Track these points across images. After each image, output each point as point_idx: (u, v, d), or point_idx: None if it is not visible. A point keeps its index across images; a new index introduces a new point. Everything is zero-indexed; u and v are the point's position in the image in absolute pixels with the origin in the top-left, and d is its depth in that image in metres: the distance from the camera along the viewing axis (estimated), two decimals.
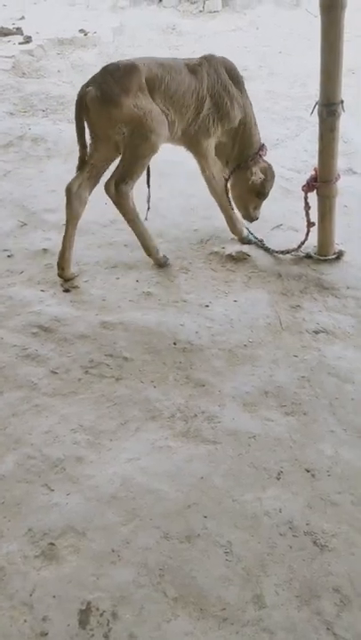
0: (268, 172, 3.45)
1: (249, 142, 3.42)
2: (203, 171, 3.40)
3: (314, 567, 1.90)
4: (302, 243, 3.32)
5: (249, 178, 3.39)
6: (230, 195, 3.49)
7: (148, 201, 3.44)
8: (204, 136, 3.27)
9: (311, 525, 2.03)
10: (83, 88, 3.06)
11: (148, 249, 3.31)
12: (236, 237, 3.56)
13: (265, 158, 3.47)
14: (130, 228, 3.27)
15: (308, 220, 3.27)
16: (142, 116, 2.99)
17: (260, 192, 3.45)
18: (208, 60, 3.30)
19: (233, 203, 3.53)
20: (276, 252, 3.42)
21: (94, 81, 3.04)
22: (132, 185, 3.13)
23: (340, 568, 1.90)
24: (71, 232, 3.24)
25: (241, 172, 3.42)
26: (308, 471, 2.22)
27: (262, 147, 3.46)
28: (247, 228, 3.58)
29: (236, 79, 3.35)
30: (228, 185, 3.46)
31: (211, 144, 3.33)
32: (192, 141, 3.31)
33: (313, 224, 3.28)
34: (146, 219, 3.38)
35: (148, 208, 3.45)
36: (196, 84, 3.19)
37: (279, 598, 1.82)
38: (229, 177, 3.46)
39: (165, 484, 2.16)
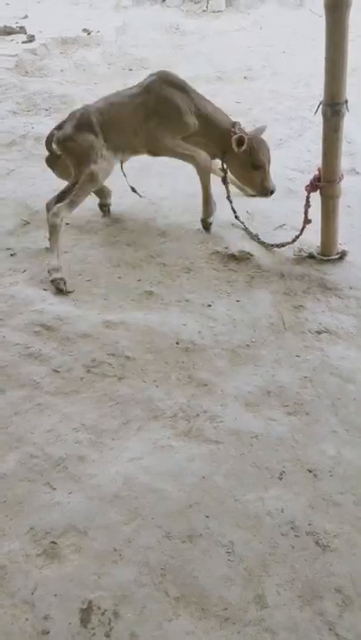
0: (252, 142, 3.50)
1: (218, 132, 3.54)
2: (186, 162, 3.58)
3: (316, 567, 1.90)
4: (297, 237, 3.35)
5: (240, 157, 3.50)
6: (238, 181, 3.71)
7: (134, 190, 3.72)
8: (163, 144, 3.50)
9: (313, 525, 2.03)
10: (50, 132, 3.65)
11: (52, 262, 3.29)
12: (201, 217, 3.66)
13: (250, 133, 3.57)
14: (134, 228, 3.29)
15: (306, 217, 3.29)
16: (85, 151, 3.41)
17: (254, 164, 3.52)
18: (148, 81, 3.57)
19: (245, 186, 3.75)
20: (271, 245, 3.45)
21: (58, 125, 3.63)
22: (71, 211, 3.42)
23: (342, 568, 1.90)
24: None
25: (231, 157, 3.53)
26: (310, 471, 2.22)
27: (234, 124, 3.55)
28: (243, 223, 3.61)
29: (179, 86, 3.55)
30: (228, 175, 3.62)
31: (172, 143, 3.50)
32: (157, 151, 3.58)
33: (310, 221, 3.30)
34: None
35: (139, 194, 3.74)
36: (141, 108, 3.49)
37: (281, 598, 1.82)
38: (225, 168, 3.59)
39: (167, 484, 2.16)
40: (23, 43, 7.23)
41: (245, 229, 3.59)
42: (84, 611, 1.79)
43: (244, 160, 3.51)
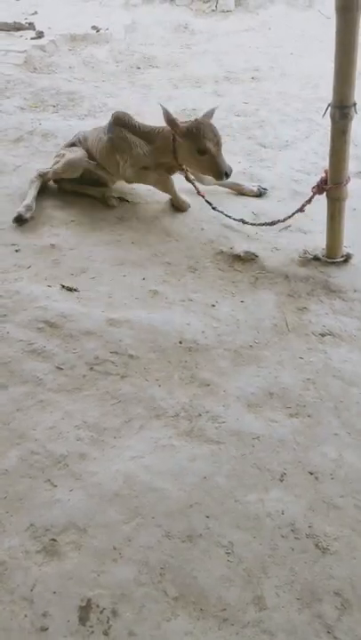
0: (192, 129, 3.53)
1: (165, 142, 3.68)
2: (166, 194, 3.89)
3: (315, 570, 1.90)
4: (286, 218, 3.40)
5: (185, 148, 3.58)
6: (197, 173, 3.80)
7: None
8: (131, 176, 3.88)
9: (313, 528, 2.02)
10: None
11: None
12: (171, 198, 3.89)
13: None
14: (139, 227, 3.28)
15: (301, 208, 3.33)
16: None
17: (199, 149, 3.52)
18: (109, 121, 3.88)
19: (200, 175, 3.83)
20: (258, 224, 3.53)
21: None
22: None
23: (341, 572, 1.89)
24: None
25: (180, 154, 3.64)
26: (311, 473, 2.22)
27: (170, 123, 3.58)
28: (221, 212, 3.64)
29: (128, 124, 3.81)
30: (190, 174, 3.80)
31: (142, 174, 3.85)
32: (130, 181, 3.95)
33: (303, 211, 3.33)
34: None
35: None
36: (106, 144, 3.87)
37: (280, 600, 1.82)
38: (183, 168, 3.74)
39: (168, 483, 2.16)
40: (32, 39, 7.23)
41: (226, 215, 3.62)
42: (83, 608, 1.80)
43: (190, 149, 3.55)
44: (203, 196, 3.66)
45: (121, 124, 3.85)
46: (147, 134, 3.81)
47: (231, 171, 3.59)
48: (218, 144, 3.54)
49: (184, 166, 3.72)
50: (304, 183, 4.11)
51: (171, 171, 3.83)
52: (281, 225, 3.55)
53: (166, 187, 3.86)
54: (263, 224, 3.50)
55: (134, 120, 3.87)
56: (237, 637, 1.74)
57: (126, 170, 3.86)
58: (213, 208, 3.63)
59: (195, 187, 3.72)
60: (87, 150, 4.01)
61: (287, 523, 2.04)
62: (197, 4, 8.98)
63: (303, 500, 2.12)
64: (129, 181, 3.99)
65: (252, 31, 8.27)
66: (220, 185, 4.01)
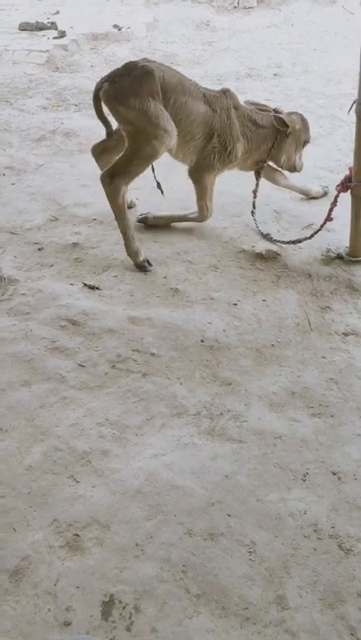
0: (304, 120, 3.58)
1: (263, 137, 3.52)
2: (198, 199, 3.51)
3: (338, 571, 1.89)
4: (315, 232, 3.33)
5: (293, 141, 3.55)
6: (284, 164, 3.68)
7: (159, 187, 3.51)
8: (207, 170, 3.42)
9: (336, 529, 2.01)
10: (99, 82, 3.23)
11: (130, 249, 3.31)
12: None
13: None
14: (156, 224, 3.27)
15: (329, 216, 3.28)
16: (147, 121, 3.06)
17: (306, 141, 3.64)
18: (219, 96, 3.39)
19: (284, 168, 3.71)
20: (285, 242, 3.43)
21: (111, 76, 3.19)
22: (127, 182, 3.22)
23: None
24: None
25: (283, 145, 3.54)
26: (334, 474, 2.20)
27: (279, 120, 3.47)
28: (255, 220, 3.59)
29: (240, 107, 3.46)
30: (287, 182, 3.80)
31: (212, 179, 3.44)
32: (193, 172, 3.46)
33: (331, 219, 3.29)
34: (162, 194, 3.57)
35: (162, 192, 3.56)
36: (209, 116, 3.30)
37: (302, 600, 1.81)
38: (262, 166, 3.61)
39: (190, 481, 2.17)
40: (54, 38, 7.28)
41: (259, 231, 3.56)
42: (106, 604, 1.81)
43: (298, 141, 3.59)
44: (255, 197, 3.60)
45: (234, 104, 3.40)
46: (253, 121, 3.47)
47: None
48: None
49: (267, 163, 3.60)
50: (328, 180, 4.07)
51: (252, 166, 3.62)
52: (312, 225, 3.55)
53: (211, 190, 3.52)
54: (289, 242, 3.41)
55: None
56: (259, 637, 1.73)
57: (219, 164, 3.38)
58: (252, 212, 3.59)
59: (257, 185, 3.60)
60: (163, 90, 3.14)
61: (310, 523, 2.03)
62: (219, 1, 8.93)
63: (326, 500, 2.11)
64: (202, 177, 3.43)
65: (275, 27, 8.20)
66: (287, 186, 3.86)
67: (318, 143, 4.79)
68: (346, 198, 3.24)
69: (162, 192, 3.55)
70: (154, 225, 3.64)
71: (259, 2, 8.94)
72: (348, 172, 3.17)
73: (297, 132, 3.54)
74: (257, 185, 3.61)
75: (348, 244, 3.34)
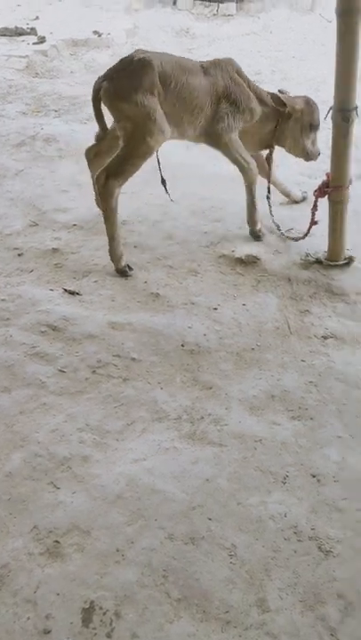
0: (309, 103, 3.48)
1: (269, 115, 3.48)
2: (232, 160, 3.45)
3: (318, 572, 1.90)
4: (304, 235, 3.41)
5: (298, 124, 3.46)
6: (291, 149, 3.61)
7: (164, 184, 3.47)
8: (224, 131, 3.34)
9: (316, 531, 2.02)
10: (98, 81, 3.19)
11: (114, 252, 3.31)
12: (249, 227, 3.63)
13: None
14: (141, 231, 3.27)
15: (313, 219, 3.33)
16: (146, 116, 3.08)
17: (313, 124, 3.49)
18: (218, 62, 3.38)
19: (293, 153, 3.63)
20: (289, 237, 3.52)
21: (109, 74, 3.16)
22: (121, 182, 3.22)
23: (344, 574, 1.89)
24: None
25: (288, 128, 3.48)
26: (313, 476, 2.22)
27: (276, 98, 3.43)
28: (270, 205, 3.61)
29: (242, 75, 3.43)
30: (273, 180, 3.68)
31: (233, 137, 3.39)
32: (213, 138, 3.39)
33: (316, 223, 3.34)
34: (171, 200, 3.61)
35: (166, 192, 3.51)
36: (211, 85, 3.28)
37: (283, 603, 1.82)
38: (271, 151, 3.58)
39: (171, 485, 2.17)
40: (34, 44, 7.27)
41: (272, 218, 3.59)
42: (86, 610, 1.80)
43: (303, 124, 3.48)
44: (269, 186, 3.60)
45: (236, 69, 3.37)
46: (258, 94, 3.41)
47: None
48: None
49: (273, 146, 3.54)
50: (307, 186, 4.12)
51: (253, 148, 3.58)
52: (292, 230, 3.61)
53: (239, 145, 3.42)
54: (291, 238, 3.49)
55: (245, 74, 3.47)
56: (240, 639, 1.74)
57: (235, 122, 3.32)
58: (267, 197, 3.59)
59: (269, 170, 3.58)
60: (163, 77, 3.11)
61: (290, 525, 2.04)
62: (199, 9, 9.01)
63: (306, 502, 2.12)
64: (221, 138, 3.35)
65: (254, 35, 8.30)
66: (273, 183, 3.79)
67: None
68: (324, 203, 3.28)
69: (167, 192, 3.48)
70: None
71: (238, 9, 9.04)
72: (325, 178, 3.21)
73: (298, 112, 3.43)
74: (270, 170, 3.62)
75: (326, 249, 3.38)
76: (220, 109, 3.30)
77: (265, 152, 3.67)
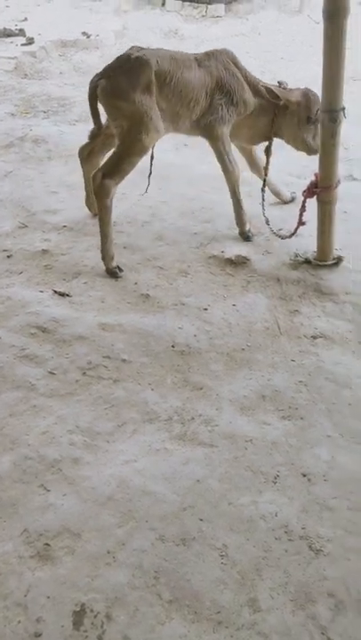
0: (307, 96, 3.43)
1: (266, 107, 3.48)
2: (218, 155, 3.45)
3: (309, 571, 1.90)
4: (291, 234, 3.42)
5: (296, 116, 3.43)
6: (290, 142, 3.59)
7: (149, 176, 3.52)
8: (218, 123, 3.35)
9: (307, 530, 2.03)
10: (94, 79, 3.18)
11: (106, 252, 3.31)
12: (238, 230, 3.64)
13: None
14: (131, 231, 3.27)
15: (300, 219, 3.34)
16: (143, 114, 3.09)
17: (309, 117, 3.40)
18: (213, 53, 3.42)
19: (293, 146, 3.61)
20: (278, 234, 3.52)
21: (106, 72, 3.16)
22: (118, 181, 3.23)
23: (335, 573, 1.90)
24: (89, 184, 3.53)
25: (285, 120, 3.46)
26: (304, 475, 2.23)
27: (269, 91, 3.42)
28: (263, 198, 3.60)
29: (238, 65, 3.46)
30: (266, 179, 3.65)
31: (226, 131, 3.40)
32: (207, 130, 3.39)
33: (304, 223, 3.35)
34: (146, 191, 3.62)
35: (148, 184, 3.56)
36: (206, 77, 3.29)
37: (274, 602, 1.82)
38: (270, 145, 3.57)
39: (162, 487, 2.16)
40: (22, 45, 7.25)
41: (263, 212, 3.58)
42: (77, 613, 1.79)
43: (300, 116, 3.43)
44: (265, 179, 3.59)
45: (231, 59, 3.39)
46: (254, 86, 3.40)
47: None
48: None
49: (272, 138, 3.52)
50: (295, 186, 4.14)
51: (251, 140, 3.58)
52: (281, 230, 3.60)
53: (227, 143, 3.44)
54: (280, 236, 3.50)
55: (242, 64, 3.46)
56: None
57: (229, 114, 3.32)
58: (262, 189, 3.59)
59: (267, 164, 3.57)
60: (159, 74, 3.13)
61: (281, 525, 2.05)
62: (188, 10, 9.02)
63: (296, 501, 2.13)
64: (214, 129, 3.36)
65: (243, 36, 8.32)
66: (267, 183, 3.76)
67: (286, 149, 4.86)
68: (313, 203, 3.29)
69: (148, 184, 3.53)
70: None
71: (227, 11, 9.06)
72: (313, 178, 3.23)
73: (294, 105, 3.40)
74: (267, 163, 3.60)
75: (315, 249, 3.39)
76: (215, 100, 3.32)
77: (263, 145, 3.66)
